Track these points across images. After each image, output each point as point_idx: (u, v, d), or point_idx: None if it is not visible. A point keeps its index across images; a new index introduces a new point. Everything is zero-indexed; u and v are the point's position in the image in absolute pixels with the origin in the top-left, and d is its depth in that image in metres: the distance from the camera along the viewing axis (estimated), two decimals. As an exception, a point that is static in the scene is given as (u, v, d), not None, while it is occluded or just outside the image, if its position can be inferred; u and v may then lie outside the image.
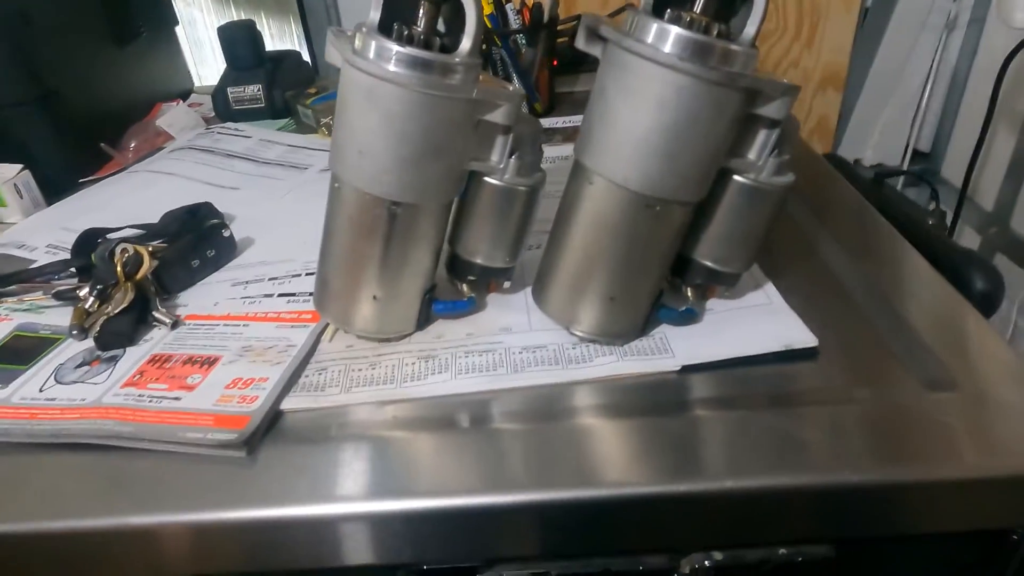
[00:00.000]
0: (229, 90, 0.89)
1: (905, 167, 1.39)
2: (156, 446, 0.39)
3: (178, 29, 1.06)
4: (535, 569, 0.38)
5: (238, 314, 0.51)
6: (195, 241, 0.55)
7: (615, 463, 0.37)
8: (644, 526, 0.37)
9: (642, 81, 0.36)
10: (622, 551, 0.38)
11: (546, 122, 0.83)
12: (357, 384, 0.43)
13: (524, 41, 0.80)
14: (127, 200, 0.71)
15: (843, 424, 0.38)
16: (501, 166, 0.43)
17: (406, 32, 0.38)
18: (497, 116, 0.41)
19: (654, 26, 0.36)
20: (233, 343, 0.47)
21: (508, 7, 0.80)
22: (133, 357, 0.46)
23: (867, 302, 0.48)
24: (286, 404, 0.42)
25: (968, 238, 1.26)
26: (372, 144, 0.39)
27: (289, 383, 0.43)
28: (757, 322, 0.46)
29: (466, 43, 0.39)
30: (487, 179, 0.44)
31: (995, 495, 0.36)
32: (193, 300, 0.53)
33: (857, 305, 0.48)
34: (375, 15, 0.39)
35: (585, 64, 0.92)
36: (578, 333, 0.44)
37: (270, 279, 0.54)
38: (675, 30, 0.35)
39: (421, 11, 0.39)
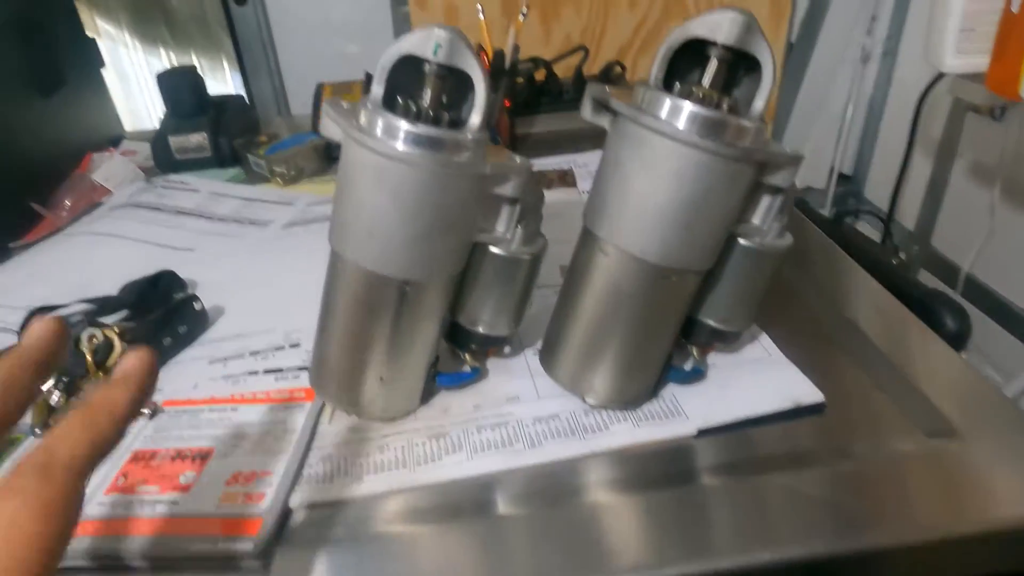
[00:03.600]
0: (171, 139, 0.84)
1: (831, 190, 1.48)
2: (158, 563, 0.35)
3: (105, 72, 1.00)
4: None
5: (222, 396, 0.47)
6: (164, 317, 0.51)
7: (645, 543, 0.37)
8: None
9: (660, 156, 0.36)
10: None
11: (509, 166, 0.82)
12: (367, 471, 0.41)
13: (484, 86, 0.79)
14: (70, 267, 0.65)
15: (858, 482, 0.39)
16: (508, 236, 0.42)
17: (413, 108, 0.37)
18: (507, 189, 0.40)
19: (667, 102, 0.36)
20: (223, 431, 0.44)
21: (465, 51, 0.79)
22: (112, 456, 0.42)
23: (856, 348, 0.50)
24: (293, 499, 0.39)
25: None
26: (382, 224, 0.38)
27: (296, 475, 0.40)
28: (761, 378, 0.46)
29: (475, 118, 0.38)
30: (492, 249, 0.42)
31: (1002, 541, 0.38)
32: (168, 383, 0.49)
33: (848, 352, 0.50)
34: (379, 90, 0.38)
35: (542, 105, 0.93)
36: (591, 401, 0.44)
37: (251, 353, 0.51)
38: (689, 107, 0.35)
39: (427, 85, 0.38)
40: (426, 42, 0.37)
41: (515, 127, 0.86)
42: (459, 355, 0.47)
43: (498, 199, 0.41)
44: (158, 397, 0.48)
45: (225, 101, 0.91)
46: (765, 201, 0.41)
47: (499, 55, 0.77)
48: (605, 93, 0.39)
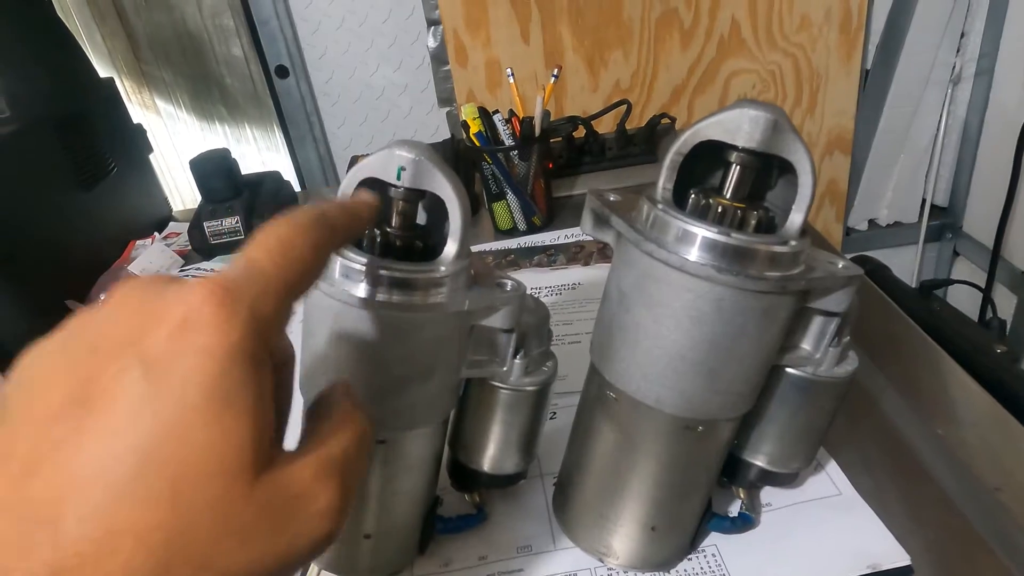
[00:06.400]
0: (205, 225, 0.83)
1: (924, 224, 1.33)
2: None
3: (155, 156, 1.01)
4: None
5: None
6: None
7: None
8: None
9: (670, 292, 0.29)
10: None
11: (546, 237, 0.76)
12: (348, 652, 0.35)
13: (516, 154, 0.74)
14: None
15: None
16: (504, 369, 0.36)
17: (378, 240, 0.32)
18: (496, 321, 0.34)
19: (675, 225, 0.29)
20: None
21: (496, 117, 0.75)
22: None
23: (948, 480, 0.40)
24: None
25: (1003, 298, 1.19)
26: (345, 375, 0.32)
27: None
28: (828, 528, 0.38)
29: (451, 247, 0.32)
30: (491, 382, 0.37)
31: None
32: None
33: (937, 484, 0.40)
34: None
35: (583, 165, 0.87)
36: (614, 565, 0.36)
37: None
38: (703, 232, 0.28)
39: (394, 212, 0.33)
40: (388, 165, 0.31)
41: (552, 190, 0.80)
42: (463, 496, 0.41)
43: (490, 330, 0.35)
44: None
45: (261, 179, 0.90)
46: (817, 323, 0.33)
47: (528, 123, 0.72)
48: (604, 205, 0.32)
